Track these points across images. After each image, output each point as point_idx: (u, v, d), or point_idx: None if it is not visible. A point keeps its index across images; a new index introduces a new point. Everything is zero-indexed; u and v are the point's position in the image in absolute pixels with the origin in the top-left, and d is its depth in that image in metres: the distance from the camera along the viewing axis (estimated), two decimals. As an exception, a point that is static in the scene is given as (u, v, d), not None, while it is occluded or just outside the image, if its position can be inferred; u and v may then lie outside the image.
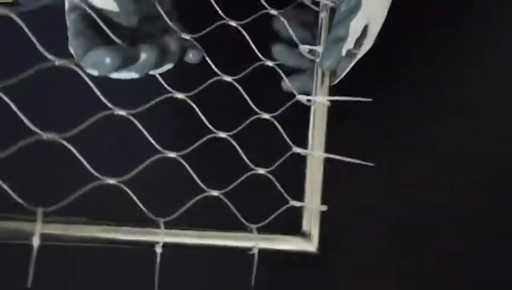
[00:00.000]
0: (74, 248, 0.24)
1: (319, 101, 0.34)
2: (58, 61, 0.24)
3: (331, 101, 0.34)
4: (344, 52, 0.32)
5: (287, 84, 0.33)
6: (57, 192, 0.23)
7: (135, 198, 0.26)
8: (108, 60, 0.25)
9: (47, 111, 0.23)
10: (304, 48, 0.34)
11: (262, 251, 0.30)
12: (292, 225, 0.31)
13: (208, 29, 0.29)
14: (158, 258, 0.26)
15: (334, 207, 0.32)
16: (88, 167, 0.24)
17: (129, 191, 0.25)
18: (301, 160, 0.33)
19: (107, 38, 0.26)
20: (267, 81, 0.33)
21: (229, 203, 0.29)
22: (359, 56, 0.35)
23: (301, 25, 0.34)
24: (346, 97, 0.34)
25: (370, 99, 0.34)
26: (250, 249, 0.29)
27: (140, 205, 0.26)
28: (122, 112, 0.26)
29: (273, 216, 0.31)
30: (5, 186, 0.22)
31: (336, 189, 0.32)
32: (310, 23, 0.35)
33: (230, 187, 0.29)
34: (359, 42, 0.34)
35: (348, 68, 0.35)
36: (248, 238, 0.29)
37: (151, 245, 0.26)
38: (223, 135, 0.29)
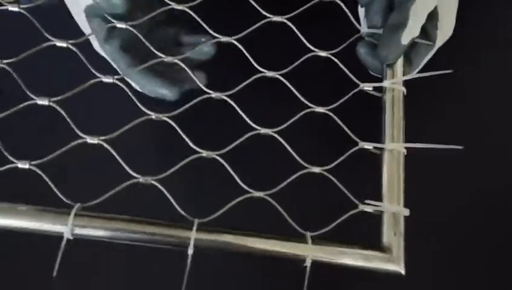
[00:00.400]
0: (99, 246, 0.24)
1: (392, 87, 0.28)
2: (105, 79, 0.27)
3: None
4: (405, 41, 0.27)
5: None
6: (95, 190, 0.24)
7: (170, 197, 0.25)
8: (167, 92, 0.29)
9: (81, 113, 0.26)
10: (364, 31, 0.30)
11: (322, 265, 0.24)
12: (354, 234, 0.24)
13: (253, 28, 0.29)
14: (189, 261, 0.23)
15: (415, 211, 0.25)
16: (126, 167, 0.25)
17: (164, 191, 0.25)
18: (360, 157, 0.26)
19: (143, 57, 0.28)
20: (316, 73, 0.29)
21: (277, 205, 0.25)
22: (439, 44, 0.30)
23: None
24: (422, 73, 0.27)
25: (450, 71, 0.26)
26: (302, 260, 0.24)
27: (175, 204, 0.25)
28: (161, 116, 0.27)
29: (335, 223, 0.25)
30: (49, 182, 0.24)
31: (413, 189, 0.25)
32: None
33: (278, 189, 0.26)
34: (429, 30, 0.29)
35: (427, 57, 0.30)
36: (300, 247, 0.24)
37: (183, 246, 0.24)
38: (266, 131, 0.27)
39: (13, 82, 0.26)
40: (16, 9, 0.28)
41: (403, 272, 0.24)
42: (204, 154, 0.26)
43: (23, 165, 0.24)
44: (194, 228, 0.24)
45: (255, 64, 0.28)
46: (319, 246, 0.24)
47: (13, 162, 0.24)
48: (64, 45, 0.27)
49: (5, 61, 0.26)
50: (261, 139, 0.27)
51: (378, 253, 0.24)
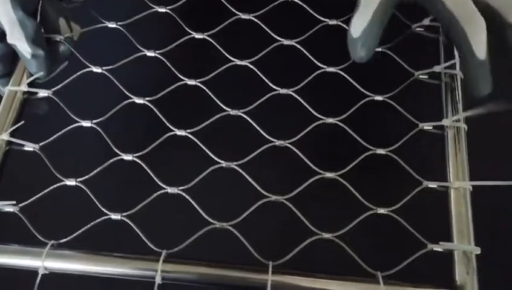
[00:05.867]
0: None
1: (453, 125, 0.29)
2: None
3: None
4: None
5: None
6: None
7: (245, 241, 0.27)
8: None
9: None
10: None
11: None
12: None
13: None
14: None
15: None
16: (202, 213, 0.28)
17: (238, 235, 0.27)
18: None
19: None
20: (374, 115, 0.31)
21: (345, 247, 0.26)
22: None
23: None
24: (483, 110, 0.28)
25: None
26: (374, 300, 0.25)
27: (250, 247, 0.27)
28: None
29: (406, 262, 0.26)
30: (137, 230, 0.27)
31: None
32: None
33: (345, 230, 0.27)
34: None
35: (487, 77, 0.29)
36: (372, 288, 0.25)
37: (261, 288, 0.26)
38: (330, 175, 0.28)
39: None
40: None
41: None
42: (272, 199, 0.28)
43: (115, 215, 0.28)
44: (270, 271, 0.26)
45: (314, 112, 0.30)
46: (391, 286, 0.25)
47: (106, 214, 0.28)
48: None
49: None
50: (325, 181, 0.28)
51: (453, 292, 0.25)
